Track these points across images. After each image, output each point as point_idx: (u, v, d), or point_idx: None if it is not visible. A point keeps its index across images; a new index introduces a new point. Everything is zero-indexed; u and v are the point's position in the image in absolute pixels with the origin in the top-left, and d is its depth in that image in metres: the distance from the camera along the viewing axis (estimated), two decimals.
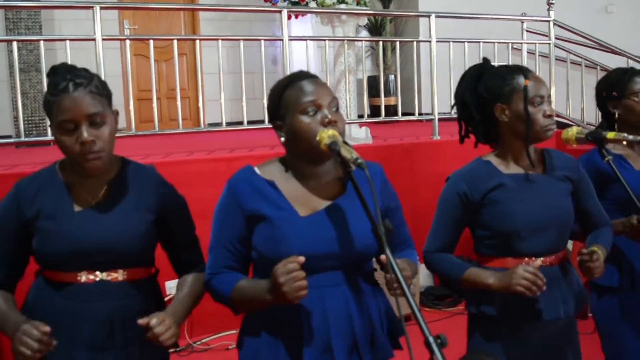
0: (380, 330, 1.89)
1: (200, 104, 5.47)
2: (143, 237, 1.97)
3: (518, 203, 2.19)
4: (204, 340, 4.38)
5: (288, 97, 1.86)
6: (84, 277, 1.93)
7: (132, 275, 1.98)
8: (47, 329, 1.78)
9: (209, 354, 4.25)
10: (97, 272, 1.93)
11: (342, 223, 1.84)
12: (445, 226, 2.30)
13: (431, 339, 1.43)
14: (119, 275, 1.95)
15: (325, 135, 1.77)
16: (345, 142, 1.78)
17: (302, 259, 1.66)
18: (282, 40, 5.40)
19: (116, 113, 1.97)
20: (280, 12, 5.47)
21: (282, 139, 1.90)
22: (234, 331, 4.16)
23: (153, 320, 1.84)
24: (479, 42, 6.30)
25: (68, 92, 1.83)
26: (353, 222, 1.84)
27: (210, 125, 5.71)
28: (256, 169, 1.92)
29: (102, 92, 1.91)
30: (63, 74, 1.86)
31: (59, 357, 1.89)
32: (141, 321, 1.84)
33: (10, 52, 6.95)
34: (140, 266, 2.01)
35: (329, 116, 1.81)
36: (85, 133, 1.83)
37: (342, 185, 1.91)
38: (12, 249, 1.98)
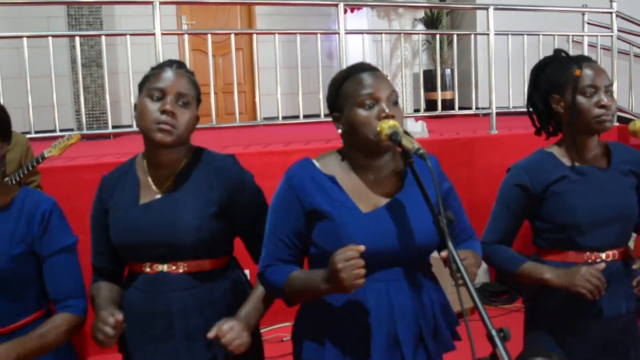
0: (442, 323, 1.87)
1: (257, 98, 5.52)
2: (203, 231, 1.96)
3: (580, 196, 2.15)
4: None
5: (346, 89, 1.84)
6: (148, 268, 1.97)
7: (194, 268, 1.98)
8: (120, 317, 1.84)
9: (263, 345, 4.25)
10: (158, 264, 1.96)
11: (404, 218, 1.82)
12: (504, 218, 2.28)
13: (494, 332, 1.42)
14: (179, 268, 1.96)
15: (386, 125, 1.74)
16: (406, 133, 1.76)
17: (362, 247, 1.63)
18: (338, 33, 5.39)
19: (197, 117, 2.03)
20: (336, 5, 5.44)
21: (340, 130, 1.88)
22: (288, 323, 4.18)
23: (223, 327, 1.85)
24: (538, 34, 6.17)
25: (170, 67, 1.97)
26: (414, 217, 1.82)
27: (266, 119, 5.75)
28: (315, 162, 1.89)
29: (195, 86, 2.01)
30: (169, 61, 2.02)
31: (133, 345, 1.97)
32: (210, 334, 1.86)
33: (73, 47, 7.12)
34: (202, 258, 2.00)
35: (386, 110, 1.78)
36: (169, 105, 1.90)
37: (401, 178, 1.89)
38: (107, 240, 2.03)
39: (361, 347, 1.79)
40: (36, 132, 4.79)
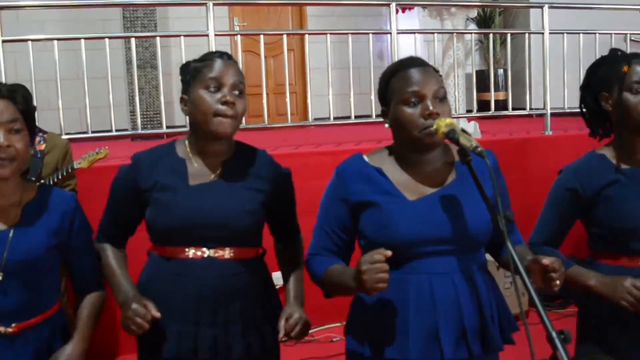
0: (491, 323, 1.84)
1: (309, 99, 5.53)
2: (252, 216, 2.01)
3: (634, 200, 2.10)
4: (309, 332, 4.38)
5: (393, 84, 1.85)
6: (191, 253, 1.97)
7: (239, 254, 2.01)
8: (157, 314, 1.88)
9: (313, 345, 4.26)
10: (205, 249, 1.97)
11: (452, 207, 1.81)
12: (552, 220, 2.25)
13: (554, 334, 1.41)
14: (225, 253, 1.98)
15: (443, 123, 1.74)
16: (463, 130, 1.75)
17: (389, 253, 1.64)
18: (390, 33, 5.37)
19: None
20: (388, 5, 5.43)
21: (387, 125, 1.90)
22: (338, 324, 4.19)
23: (290, 322, 1.96)
24: (594, 33, 6.04)
25: (222, 58, 2.00)
26: (464, 207, 1.81)
27: (316, 119, 5.76)
28: (365, 157, 1.93)
29: (243, 77, 2.04)
30: (217, 52, 2.05)
31: (169, 330, 1.97)
32: (281, 335, 1.96)
33: (128, 49, 7.27)
34: (247, 245, 2.04)
35: (431, 108, 1.78)
36: (229, 95, 1.94)
37: (450, 173, 1.89)
38: (123, 211, 2.09)
39: (400, 339, 1.79)
40: (93, 132, 4.90)
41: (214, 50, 4.66)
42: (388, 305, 1.82)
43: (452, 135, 1.72)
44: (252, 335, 2.01)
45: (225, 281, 1.98)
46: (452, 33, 5.92)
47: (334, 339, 4.21)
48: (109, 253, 2.11)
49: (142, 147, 3.99)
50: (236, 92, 1.97)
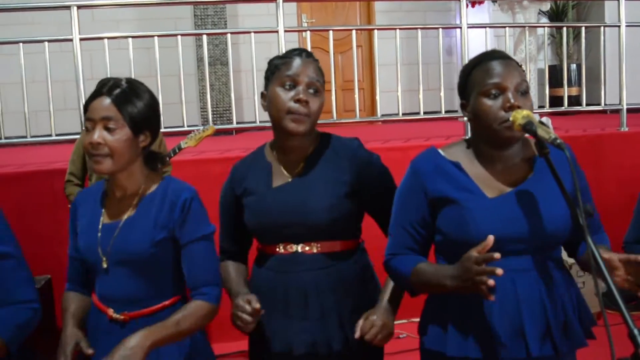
0: (573, 318, 1.80)
1: (378, 95, 5.52)
2: (334, 210, 1.99)
3: None
4: None
5: (474, 76, 1.82)
6: (281, 249, 2.04)
7: (327, 248, 2.02)
8: (257, 306, 1.90)
9: None
10: (293, 245, 2.02)
11: (532, 205, 1.77)
12: None
13: (636, 332, 1.38)
14: (312, 248, 2.01)
15: (520, 115, 1.70)
16: (541, 122, 1.71)
17: (497, 255, 1.58)
18: (460, 28, 5.30)
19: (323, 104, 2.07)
20: None
21: (465, 119, 1.86)
22: (404, 320, 4.16)
23: (365, 324, 1.93)
24: None
25: (300, 56, 2.01)
26: (543, 204, 1.76)
27: (384, 116, 5.74)
28: (440, 151, 1.88)
29: (321, 73, 2.05)
30: (297, 50, 2.06)
31: (266, 324, 2.03)
32: (356, 335, 1.93)
33: (199, 47, 7.42)
34: (335, 239, 2.04)
35: (512, 100, 1.74)
36: (303, 94, 1.95)
37: (529, 168, 1.84)
38: (235, 223, 2.15)
39: (484, 337, 1.76)
40: (165, 127, 5.01)
41: (283, 47, 4.73)
42: (471, 304, 1.78)
43: (529, 127, 1.68)
44: (350, 328, 1.99)
45: (315, 275, 2.00)
46: (524, 27, 5.80)
47: (401, 336, 4.18)
48: (230, 268, 2.16)
49: (212, 142, 4.08)
50: (311, 91, 1.98)
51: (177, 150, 3.51)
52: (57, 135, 4.96)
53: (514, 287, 1.75)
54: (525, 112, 1.71)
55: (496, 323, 1.75)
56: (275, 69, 2.01)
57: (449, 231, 1.80)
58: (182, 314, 1.89)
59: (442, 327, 1.84)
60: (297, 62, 1.99)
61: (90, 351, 1.90)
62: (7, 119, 5.07)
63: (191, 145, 3.61)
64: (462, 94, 1.87)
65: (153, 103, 1.96)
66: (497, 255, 1.58)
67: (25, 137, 5.08)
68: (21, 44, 4.94)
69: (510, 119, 1.72)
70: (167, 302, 1.95)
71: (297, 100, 1.95)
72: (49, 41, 5.00)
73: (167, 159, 3.53)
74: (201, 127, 3.67)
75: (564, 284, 1.82)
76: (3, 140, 5.07)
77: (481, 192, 1.79)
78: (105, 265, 1.92)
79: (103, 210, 1.98)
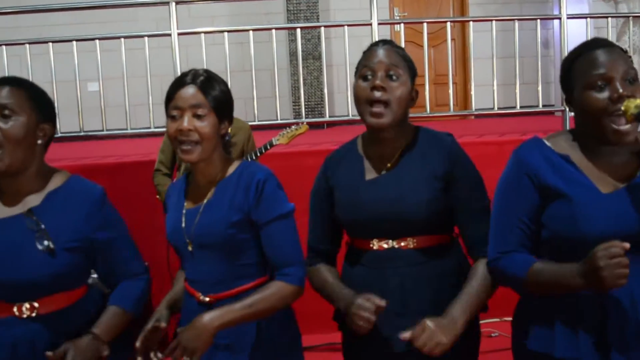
0: None
1: (472, 89, 5.42)
2: (430, 205, 1.93)
3: None
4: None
5: (577, 68, 1.72)
6: (376, 245, 1.97)
7: (423, 243, 1.96)
8: (382, 303, 1.82)
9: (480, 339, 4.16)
10: (389, 240, 1.96)
11: None
12: None
13: None
14: (408, 243, 1.95)
15: (632, 104, 1.60)
16: None
17: (627, 245, 1.51)
18: (559, 19, 5.13)
19: (416, 93, 2.01)
20: None
21: (572, 113, 1.77)
22: (497, 319, 4.07)
23: (416, 329, 1.77)
24: None
25: (377, 45, 1.96)
26: None
27: (478, 110, 5.63)
28: (546, 141, 1.78)
29: (406, 60, 1.97)
30: (380, 41, 2.01)
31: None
32: (405, 335, 1.78)
33: (291, 41, 7.50)
34: (432, 233, 1.98)
35: (620, 90, 1.64)
36: (379, 80, 1.90)
37: (638, 161, 1.73)
38: (327, 218, 2.09)
39: (598, 337, 1.67)
40: (259, 121, 5.10)
41: (376, 40, 4.71)
42: (584, 303, 1.69)
43: None
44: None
45: (412, 271, 1.94)
46: (628, 17, 5.53)
47: (493, 334, 4.09)
48: (325, 274, 2.07)
49: (302, 136, 4.11)
50: (394, 77, 1.92)
51: (268, 147, 3.56)
52: (155, 127, 5.12)
53: (628, 287, 1.61)
54: (638, 100, 1.61)
55: (610, 325, 1.65)
56: (359, 63, 1.98)
57: (559, 227, 1.70)
58: (260, 295, 1.88)
59: (549, 327, 1.74)
60: (374, 51, 1.94)
61: (163, 324, 1.94)
62: (109, 113, 5.28)
63: (283, 143, 3.65)
64: (565, 88, 1.78)
65: (228, 90, 2.00)
66: (627, 245, 1.50)
67: (126, 129, 5.29)
68: (122, 39, 5.14)
69: (622, 108, 1.62)
70: (251, 284, 1.95)
71: (374, 87, 1.89)
72: (149, 36, 5.18)
73: (259, 154, 3.58)
74: (294, 126, 3.70)
75: None
76: (105, 132, 5.30)
77: (594, 187, 1.69)
78: (190, 249, 1.96)
79: (185, 197, 2.03)
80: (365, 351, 2.01)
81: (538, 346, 1.76)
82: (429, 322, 1.76)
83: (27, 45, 5.15)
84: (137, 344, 1.89)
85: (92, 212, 1.92)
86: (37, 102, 1.90)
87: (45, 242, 1.83)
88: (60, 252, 1.85)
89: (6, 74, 5.48)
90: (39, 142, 1.90)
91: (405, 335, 1.76)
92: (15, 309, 1.84)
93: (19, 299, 1.84)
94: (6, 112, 1.82)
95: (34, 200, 1.90)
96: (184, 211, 1.99)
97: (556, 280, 1.66)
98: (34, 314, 1.85)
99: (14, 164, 1.83)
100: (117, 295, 2.00)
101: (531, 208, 1.75)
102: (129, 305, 1.99)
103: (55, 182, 1.94)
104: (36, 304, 1.85)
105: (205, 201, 1.96)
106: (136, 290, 2.04)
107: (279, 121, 5.16)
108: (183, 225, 1.97)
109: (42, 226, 1.85)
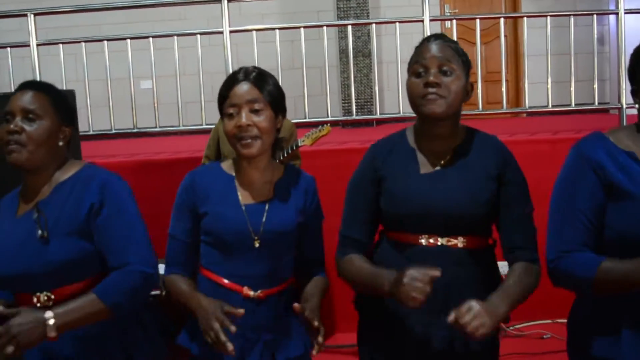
0: None
1: (526, 87, 5.34)
2: (485, 205, 1.92)
3: None
4: (518, 326, 4.22)
5: None
6: (424, 241, 1.95)
7: (471, 244, 1.94)
8: (437, 273, 1.75)
9: (522, 340, 4.08)
10: (438, 237, 1.94)
11: None
12: None
13: None
14: (458, 242, 1.93)
15: None
16: None
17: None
18: (616, 14, 5.02)
19: (471, 86, 1.99)
20: None
21: (637, 105, 1.71)
22: (549, 320, 4.01)
23: (462, 308, 1.73)
24: None
25: (429, 41, 1.96)
26: None
27: (531, 107, 5.54)
28: (609, 137, 1.72)
29: (460, 54, 1.96)
30: (432, 35, 2.00)
31: (402, 318, 1.95)
32: (450, 318, 1.74)
33: (341, 38, 7.49)
34: (479, 235, 1.97)
35: None
36: (432, 76, 1.89)
37: None
38: (370, 207, 2.05)
39: None
40: (309, 118, 5.11)
41: (428, 34, 4.68)
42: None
43: None
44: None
45: (458, 270, 1.91)
46: None
47: (545, 336, 4.03)
48: (355, 259, 2.01)
49: (352, 133, 4.11)
50: (448, 72, 1.90)
51: (294, 147, 3.58)
52: (207, 124, 5.19)
53: None
54: None
55: None
56: (411, 59, 1.97)
57: (623, 228, 1.63)
58: (315, 284, 2.10)
59: (614, 331, 1.67)
60: (426, 46, 1.93)
61: (241, 311, 1.91)
62: (162, 110, 5.37)
63: (307, 144, 3.67)
64: (633, 80, 1.71)
65: (279, 85, 2.05)
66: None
67: (178, 126, 5.37)
68: (175, 37, 5.21)
69: None
70: (288, 282, 2.10)
71: (427, 84, 1.88)
72: (201, 34, 5.24)
73: (289, 152, 3.58)
74: (319, 127, 3.71)
75: None
76: (158, 129, 5.39)
77: None
78: (257, 245, 1.99)
79: (238, 193, 2.04)
80: (403, 347, 1.97)
81: (601, 351, 1.70)
82: (475, 303, 1.72)
83: (83, 44, 5.26)
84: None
85: (89, 197, 1.91)
86: (59, 106, 1.99)
87: (39, 232, 1.88)
88: (62, 241, 1.88)
89: (63, 72, 5.60)
90: (60, 143, 1.98)
91: (451, 317, 1.72)
92: (34, 299, 1.89)
93: (35, 290, 1.89)
94: (31, 115, 1.92)
95: (45, 193, 1.97)
96: (243, 208, 2.02)
97: (630, 279, 1.58)
98: (50, 304, 1.87)
99: (34, 161, 1.92)
100: (101, 284, 1.89)
101: (596, 206, 1.68)
102: (105, 296, 1.86)
103: (66, 174, 1.99)
104: (52, 295, 1.89)
105: (267, 199, 2.04)
106: (122, 283, 1.89)
107: (329, 118, 5.16)
108: (248, 221, 2.00)
109: (40, 217, 1.90)
